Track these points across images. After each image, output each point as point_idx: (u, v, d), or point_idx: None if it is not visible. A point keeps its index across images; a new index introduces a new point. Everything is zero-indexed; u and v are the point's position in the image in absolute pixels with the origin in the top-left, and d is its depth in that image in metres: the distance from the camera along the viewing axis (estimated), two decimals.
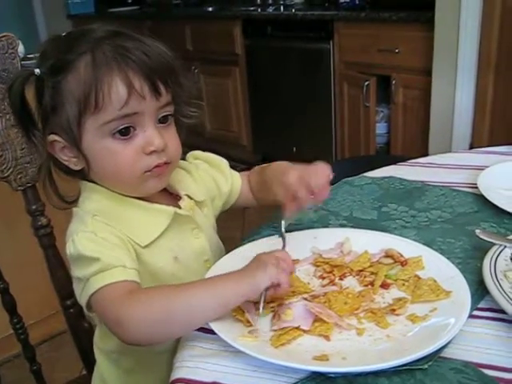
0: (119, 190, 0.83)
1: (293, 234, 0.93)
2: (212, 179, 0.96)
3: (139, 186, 0.81)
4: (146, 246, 0.81)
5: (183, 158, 0.93)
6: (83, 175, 0.84)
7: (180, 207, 0.87)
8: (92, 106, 0.74)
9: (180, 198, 0.89)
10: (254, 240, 0.92)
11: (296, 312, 0.73)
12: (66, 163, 0.82)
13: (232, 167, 1.00)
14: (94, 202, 0.82)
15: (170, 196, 0.89)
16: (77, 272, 0.76)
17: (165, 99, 0.79)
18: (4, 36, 0.98)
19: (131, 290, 0.71)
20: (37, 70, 0.78)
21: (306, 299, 0.77)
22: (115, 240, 0.77)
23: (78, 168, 0.82)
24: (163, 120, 0.81)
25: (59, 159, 0.82)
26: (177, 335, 0.73)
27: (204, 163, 0.98)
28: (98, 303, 0.73)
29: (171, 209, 0.84)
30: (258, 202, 1.01)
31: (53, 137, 0.79)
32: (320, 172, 0.86)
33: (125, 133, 0.77)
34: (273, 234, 0.94)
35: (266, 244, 0.90)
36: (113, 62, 0.74)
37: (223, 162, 1.00)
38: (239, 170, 1.01)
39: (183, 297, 0.70)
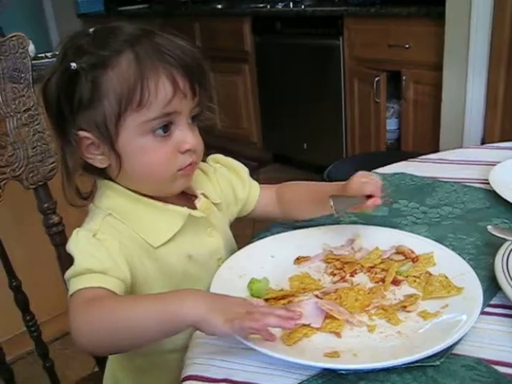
0: (145, 189, 0.83)
1: (304, 230, 0.93)
2: (229, 184, 0.96)
3: (168, 184, 0.82)
4: (160, 246, 0.81)
5: (203, 160, 0.93)
6: (102, 173, 0.83)
7: (195, 207, 0.87)
8: (135, 103, 0.74)
9: (196, 197, 0.89)
10: (264, 237, 0.92)
11: (307, 310, 0.73)
12: (90, 161, 0.81)
13: (243, 164, 1.00)
14: (110, 199, 0.82)
15: (185, 196, 0.89)
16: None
17: (197, 99, 0.79)
18: (15, 36, 0.99)
19: (93, 298, 0.70)
20: (73, 65, 0.75)
21: (316, 296, 0.77)
22: (114, 244, 0.77)
23: (103, 166, 0.81)
24: (192, 120, 0.81)
25: (82, 157, 0.81)
26: (124, 348, 0.75)
27: (223, 167, 0.97)
28: (69, 304, 0.73)
29: (186, 210, 0.84)
30: (286, 215, 0.99)
31: (82, 133, 0.78)
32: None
33: (165, 130, 0.78)
34: (282, 232, 0.94)
35: (275, 241, 0.90)
36: (156, 60, 0.75)
37: (243, 169, 0.99)
38: (250, 168, 1.00)
39: (125, 310, 0.68)
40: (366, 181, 0.86)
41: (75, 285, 0.72)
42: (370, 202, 0.85)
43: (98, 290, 0.71)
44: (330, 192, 0.89)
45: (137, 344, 0.72)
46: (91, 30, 0.79)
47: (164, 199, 0.84)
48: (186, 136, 0.79)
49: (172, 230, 0.83)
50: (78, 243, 0.76)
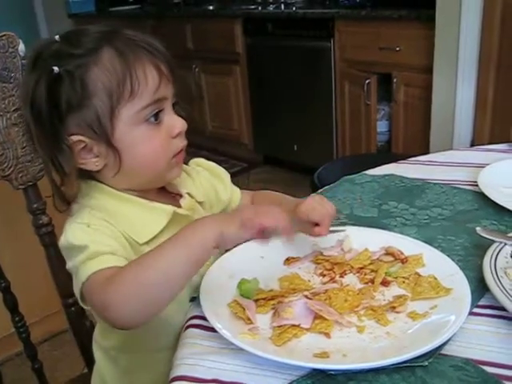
0: (140, 183, 0.83)
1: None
2: (211, 186, 0.97)
3: (164, 173, 0.84)
4: (145, 243, 0.81)
5: (185, 163, 0.93)
6: (86, 175, 0.83)
7: (180, 206, 0.87)
8: (127, 93, 0.75)
9: (180, 196, 0.89)
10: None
11: (296, 310, 0.73)
12: (83, 166, 0.80)
13: (233, 165, 1.00)
14: (93, 199, 0.82)
15: (169, 195, 0.90)
16: (68, 263, 0.76)
17: (174, 87, 0.82)
18: (4, 35, 0.98)
19: (112, 275, 0.70)
20: (56, 68, 0.75)
21: (306, 296, 0.77)
22: (108, 232, 0.77)
23: (97, 168, 0.80)
24: (173, 107, 0.83)
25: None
26: (162, 303, 0.71)
27: (205, 171, 0.98)
28: (86, 292, 0.73)
29: (170, 208, 0.84)
30: None
31: (75, 137, 0.78)
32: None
33: (156, 118, 0.79)
34: None
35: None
36: (137, 50, 0.77)
37: (225, 173, 1.00)
38: (240, 169, 1.01)
39: (153, 263, 0.68)
40: (316, 207, 0.86)
41: (87, 269, 0.72)
42: (316, 230, 0.85)
43: (113, 269, 0.71)
44: (286, 207, 0.87)
45: (175, 290, 0.70)
46: (56, 36, 0.79)
47: (149, 198, 0.84)
48: (175, 120, 0.81)
49: (157, 227, 0.83)
50: (74, 233, 0.75)
